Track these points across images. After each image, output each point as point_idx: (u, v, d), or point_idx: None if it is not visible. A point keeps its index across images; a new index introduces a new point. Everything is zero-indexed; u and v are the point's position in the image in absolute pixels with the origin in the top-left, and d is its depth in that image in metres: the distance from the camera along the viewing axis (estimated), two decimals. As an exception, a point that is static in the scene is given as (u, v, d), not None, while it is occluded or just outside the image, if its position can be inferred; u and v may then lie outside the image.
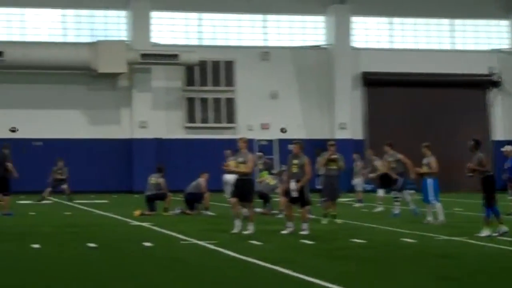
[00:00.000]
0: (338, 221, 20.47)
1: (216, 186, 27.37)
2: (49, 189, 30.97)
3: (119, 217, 22.86)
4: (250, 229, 17.47)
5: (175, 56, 37.62)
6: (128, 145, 38.20)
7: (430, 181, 20.07)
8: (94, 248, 15.09)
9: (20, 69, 36.67)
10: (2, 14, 37.88)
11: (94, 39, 37.79)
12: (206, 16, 40.60)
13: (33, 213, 24.61)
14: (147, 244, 15.63)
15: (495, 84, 42.46)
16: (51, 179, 30.98)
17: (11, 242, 16.27)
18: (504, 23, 43.61)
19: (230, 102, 40.04)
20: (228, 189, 24.91)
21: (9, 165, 23.21)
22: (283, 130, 39.96)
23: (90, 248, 15.10)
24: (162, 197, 23.95)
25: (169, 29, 40.23)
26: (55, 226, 19.60)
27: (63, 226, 19.72)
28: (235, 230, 17.63)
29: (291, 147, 19.35)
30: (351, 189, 29.99)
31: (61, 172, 31.03)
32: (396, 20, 42.64)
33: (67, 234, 17.88)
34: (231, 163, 19.51)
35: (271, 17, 41.21)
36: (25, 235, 17.55)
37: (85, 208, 27.08)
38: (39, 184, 31.30)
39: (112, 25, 39.55)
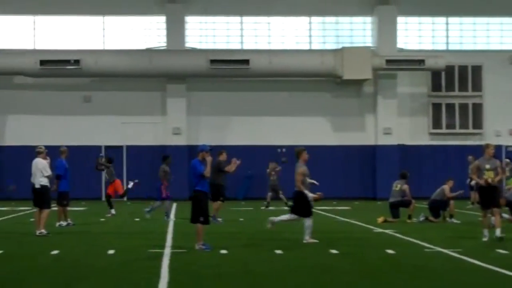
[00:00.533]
0: None
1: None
2: (269, 194, 31.74)
3: (362, 224, 22.70)
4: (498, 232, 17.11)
5: (421, 61, 36.87)
6: (372, 151, 37.99)
7: None
8: (336, 255, 15.03)
9: (265, 77, 37.45)
10: (249, 23, 38.91)
11: (339, 46, 37.90)
12: (453, 20, 39.51)
13: (241, 219, 25.01)
14: (390, 251, 15.40)
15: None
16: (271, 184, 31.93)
17: (250, 248, 16.57)
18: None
19: (477, 107, 38.74)
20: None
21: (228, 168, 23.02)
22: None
23: (332, 255, 15.05)
24: (406, 204, 23.62)
25: (415, 34, 39.59)
26: (297, 233, 19.70)
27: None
28: (484, 239, 17.24)
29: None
30: None
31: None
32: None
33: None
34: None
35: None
36: (267, 240, 17.82)
37: (328, 214, 27.15)
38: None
39: (358, 32, 39.49)
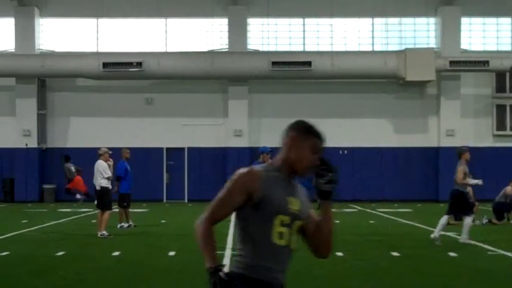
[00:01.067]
0: None
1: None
2: None
3: (423, 226, 22.44)
4: None
5: (485, 62, 36.31)
6: (434, 153, 37.54)
7: None
8: (397, 257, 14.89)
9: (327, 79, 37.30)
10: (311, 25, 38.81)
11: (402, 47, 37.57)
12: (519, 20, 38.92)
13: (337, 222, 24.89)
14: (452, 254, 15.22)
15: None
16: None
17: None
18: None
19: (542, 108, 38.12)
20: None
21: None
22: None
23: (393, 257, 14.92)
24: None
25: (479, 35, 39.01)
26: (358, 235, 19.62)
27: (366, 235, 19.71)
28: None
29: None
30: None
31: None
32: None
33: (370, 242, 17.83)
34: None
35: None
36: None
37: (389, 216, 26.93)
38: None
39: (421, 33, 39.08)
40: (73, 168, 29.57)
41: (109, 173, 19.81)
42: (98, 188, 19.82)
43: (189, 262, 14.07)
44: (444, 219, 17.59)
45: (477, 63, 36.60)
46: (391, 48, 38.30)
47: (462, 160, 17.93)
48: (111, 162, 20.13)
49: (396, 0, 37.98)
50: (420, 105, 38.25)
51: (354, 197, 36.77)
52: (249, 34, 38.23)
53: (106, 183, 19.75)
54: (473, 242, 17.16)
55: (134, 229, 21.66)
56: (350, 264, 13.96)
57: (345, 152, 37.24)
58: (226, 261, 14.04)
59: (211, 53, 37.60)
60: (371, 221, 24.75)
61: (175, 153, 37.87)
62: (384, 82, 37.91)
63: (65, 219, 25.68)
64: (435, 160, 37.34)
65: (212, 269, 4.63)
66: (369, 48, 38.70)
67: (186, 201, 37.48)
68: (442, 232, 20.18)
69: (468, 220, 17.30)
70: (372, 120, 37.90)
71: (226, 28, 38.04)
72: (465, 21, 38.43)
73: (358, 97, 38.05)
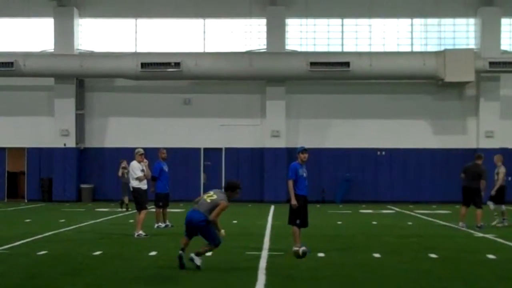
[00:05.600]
0: None
1: None
2: None
3: (462, 228, 22.17)
4: None
5: (525, 63, 35.94)
6: (473, 154, 37.00)
7: None
8: (435, 259, 14.73)
9: (365, 80, 37.09)
10: (350, 25, 38.58)
11: (441, 48, 37.23)
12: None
13: (375, 223, 24.71)
14: (491, 256, 15.02)
15: None
16: None
17: (347, 251, 16.38)
18: None
19: None
20: None
21: None
22: None
23: (431, 259, 14.77)
24: None
25: (520, 35, 38.61)
26: (396, 236, 19.44)
27: (404, 237, 19.54)
28: None
29: None
30: None
31: None
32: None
33: (408, 244, 17.67)
34: None
35: None
36: (365, 244, 17.62)
37: (427, 218, 26.70)
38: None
39: (461, 33, 38.70)
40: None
41: (139, 174, 19.69)
42: (131, 189, 19.86)
43: (224, 262, 14.02)
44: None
45: (517, 64, 36.21)
46: (430, 48, 38.02)
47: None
48: (146, 162, 20.10)
49: (435, 0, 37.59)
50: (459, 106, 37.90)
51: (392, 198, 36.55)
52: (287, 35, 38.17)
53: (137, 184, 19.72)
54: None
55: (171, 229, 21.67)
56: (387, 266, 13.81)
57: (383, 153, 37.03)
58: (263, 262, 13.98)
59: (249, 53, 37.57)
60: (409, 223, 24.55)
61: (212, 153, 37.90)
62: (422, 83, 37.63)
63: (103, 219, 25.80)
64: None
65: None
66: (408, 49, 38.41)
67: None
68: (481, 235, 19.97)
69: None
70: (411, 121, 37.64)
71: (264, 28, 37.99)
72: (505, 21, 38.05)
73: (397, 98, 37.80)
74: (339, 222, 24.74)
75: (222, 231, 13.31)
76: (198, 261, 13.06)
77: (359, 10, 38.00)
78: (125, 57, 36.69)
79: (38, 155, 38.43)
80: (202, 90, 38.17)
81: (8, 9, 38.21)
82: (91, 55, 38.04)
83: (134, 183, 19.70)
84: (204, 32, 38.76)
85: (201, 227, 13.14)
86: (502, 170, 23.30)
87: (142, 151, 20.14)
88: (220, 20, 38.68)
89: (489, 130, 36.96)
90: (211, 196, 13.36)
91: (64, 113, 37.61)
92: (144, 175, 19.88)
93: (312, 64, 35.85)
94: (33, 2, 37.45)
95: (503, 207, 23.19)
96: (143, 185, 19.92)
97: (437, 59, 36.01)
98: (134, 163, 19.83)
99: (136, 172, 19.70)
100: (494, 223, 23.14)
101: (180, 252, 13.24)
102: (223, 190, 13.67)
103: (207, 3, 38.06)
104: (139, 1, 38.14)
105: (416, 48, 38.47)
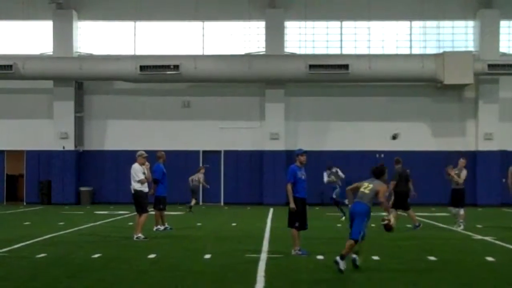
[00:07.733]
0: None
1: None
2: None
3: (461, 231, 22.20)
4: None
5: (524, 65, 35.99)
6: (472, 157, 37.01)
7: None
8: (434, 261, 14.75)
9: (364, 82, 37.12)
10: (349, 28, 38.62)
11: (440, 50, 37.26)
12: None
13: (373, 225, 24.70)
14: (490, 258, 15.05)
15: None
16: None
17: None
18: None
19: None
20: None
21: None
22: None
23: (431, 261, 14.78)
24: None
25: (519, 38, 38.68)
26: (395, 239, 19.44)
27: (403, 239, 19.54)
28: None
29: None
30: None
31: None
32: None
33: (407, 247, 17.69)
34: None
35: None
36: (368, 248, 17.60)
37: (426, 221, 26.69)
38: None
39: (460, 36, 38.74)
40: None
41: (141, 176, 19.65)
42: (132, 191, 19.81)
43: (224, 265, 14.01)
44: None
45: (516, 67, 36.26)
46: (429, 51, 38.07)
47: None
48: (147, 165, 20.06)
49: (434, 3, 37.65)
50: (458, 108, 37.94)
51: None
52: (286, 37, 38.21)
53: (139, 187, 19.69)
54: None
55: (170, 232, 21.67)
56: (385, 268, 13.83)
57: (382, 155, 36.99)
58: (263, 264, 13.99)
59: (248, 56, 37.61)
60: (408, 225, 24.53)
61: (211, 156, 37.91)
62: (422, 86, 37.66)
63: (102, 221, 25.79)
64: (473, 164, 36.89)
65: None
66: (407, 51, 38.46)
67: (222, 204, 37.49)
68: (480, 237, 19.99)
69: None
70: (410, 124, 37.67)
71: (263, 31, 38.02)
72: (504, 24, 38.10)
73: (396, 101, 37.85)
74: (339, 225, 24.74)
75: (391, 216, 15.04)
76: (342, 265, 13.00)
77: (358, 13, 38.05)
78: (124, 59, 36.69)
79: (37, 158, 38.42)
80: (201, 93, 38.18)
81: (7, 11, 38.27)
82: (90, 57, 38.06)
83: (136, 186, 19.67)
84: (203, 34, 38.79)
85: (361, 214, 13.43)
86: (464, 173, 23.64)
87: (145, 153, 20.12)
88: (219, 22, 38.71)
89: (488, 132, 37.02)
90: (367, 187, 13.64)
91: (63, 116, 37.61)
92: (146, 177, 19.88)
93: (311, 66, 35.86)
94: (32, 5, 37.44)
95: (462, 211, 23.35)
96: (145, 188, 19.90)
97: (436, 61, 36.02)
98: (136, 166, 19.79)
99: (139, 175, 19.65)
100: (456, 226, 23.27)
101: (353, 255, 13.54)
102: (373, 179, 13.86)
103: (206, 5, 38.07)
104: (138, 4, 38.11)
105: (415, 51, 38.52)
